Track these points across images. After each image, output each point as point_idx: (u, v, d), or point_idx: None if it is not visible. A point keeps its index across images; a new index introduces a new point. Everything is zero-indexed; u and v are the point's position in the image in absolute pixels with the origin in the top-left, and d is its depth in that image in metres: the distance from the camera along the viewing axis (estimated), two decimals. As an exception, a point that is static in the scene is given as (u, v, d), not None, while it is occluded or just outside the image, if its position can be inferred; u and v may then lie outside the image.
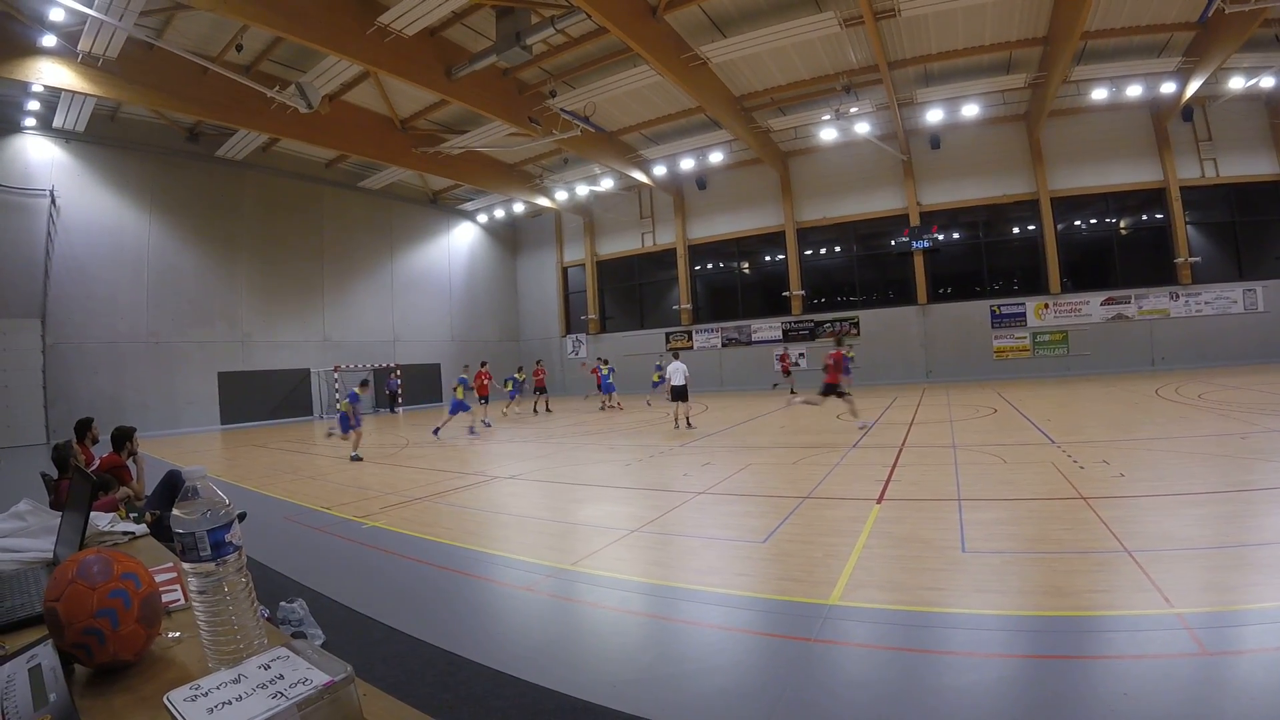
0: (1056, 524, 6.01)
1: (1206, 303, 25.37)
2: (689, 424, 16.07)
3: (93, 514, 1.99)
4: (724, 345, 33.30)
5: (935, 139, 28.07)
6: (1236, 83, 22.80)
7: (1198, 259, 25.82)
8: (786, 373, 26.46)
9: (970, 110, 24.82)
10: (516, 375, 24.09)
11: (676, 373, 16.34)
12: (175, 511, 1.13)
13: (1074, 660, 3.52)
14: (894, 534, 6.01)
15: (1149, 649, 3.53)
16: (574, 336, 38.03)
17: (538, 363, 27.36)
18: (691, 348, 33.16)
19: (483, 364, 21.43)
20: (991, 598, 4.45)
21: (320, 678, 0.94)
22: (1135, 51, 22.51)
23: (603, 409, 23.39)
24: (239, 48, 18.54)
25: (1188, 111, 25.20)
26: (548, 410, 24.32)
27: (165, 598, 1.39)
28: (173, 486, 5.62)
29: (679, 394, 16.16)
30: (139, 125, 23.71)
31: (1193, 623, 3.74)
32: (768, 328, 32.43)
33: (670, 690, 3.47)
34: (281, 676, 0.95)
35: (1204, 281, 25.81)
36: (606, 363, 24.89)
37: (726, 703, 3.34)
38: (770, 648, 3.99)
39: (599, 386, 24.50)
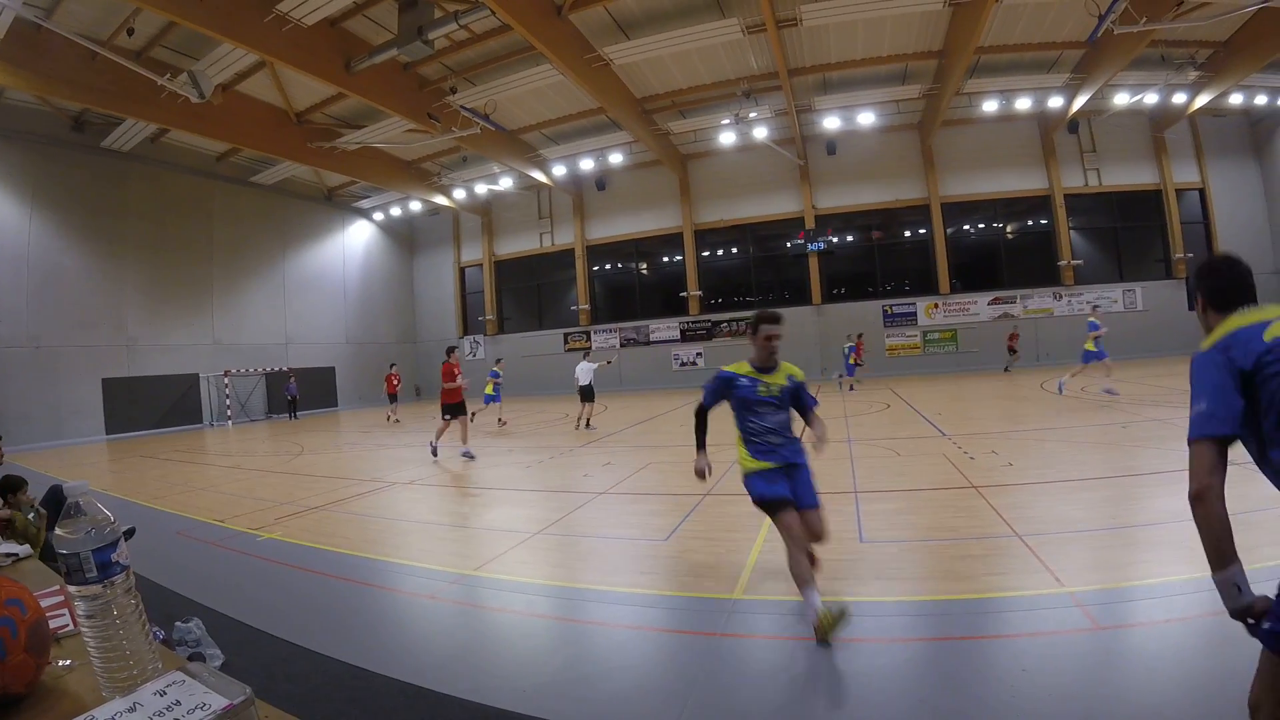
0: (950, 512, 6.31)
1: (1088, 302, 26.98)
2: (588, 425, 16.12)
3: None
4: (622, 345, 33.50)
5: (831, 145, 28.93)
6: (1121, 98, 24.46)
7: (1080, 262, 27.72)
8: (1013, 350, 25.70)
9: (866, 118, 25.63)
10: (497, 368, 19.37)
11: (584, 373, 16.37)
12: (58, 531, 1.09)
13: (973, 640, 3.72)
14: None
15: (1044, 627, 3.77)
16: (472, 338, 37.49)
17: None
18: (590, 348, 33.20)
19: (392, 365, 20.77)
20: (891, 585, 4.66)
21: (219, 702, 0.92)
22: (1026, 67, 23.80)
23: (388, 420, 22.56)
24: (130, 31, 17.44)
25: (1074, 124, 26.93)
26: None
27: (53, 624, 1.33)
28: (57, 503, 5.32)
29: (586, 394, 16.23)
30: (21, 112, 22.04)
31: (1084, 600, 4.00)
32: (665, 328, 32.85)
33: (582, 692, 3.49)
34: (178, 703, 0.93)
35: (1086, 283, 27.64)
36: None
37: (638, 701, 3.39)
38: (678, 644, 4.06)
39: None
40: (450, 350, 13.52)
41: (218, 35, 16.67)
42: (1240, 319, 2.00)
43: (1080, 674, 3.27)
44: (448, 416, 12.71)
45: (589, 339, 33.98)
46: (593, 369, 16.62)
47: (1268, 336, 1.90)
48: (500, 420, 18.98)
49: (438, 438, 12.77)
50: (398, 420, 22.15)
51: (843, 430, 12.61)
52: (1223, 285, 2.13)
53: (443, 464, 12.08)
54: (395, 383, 23.21)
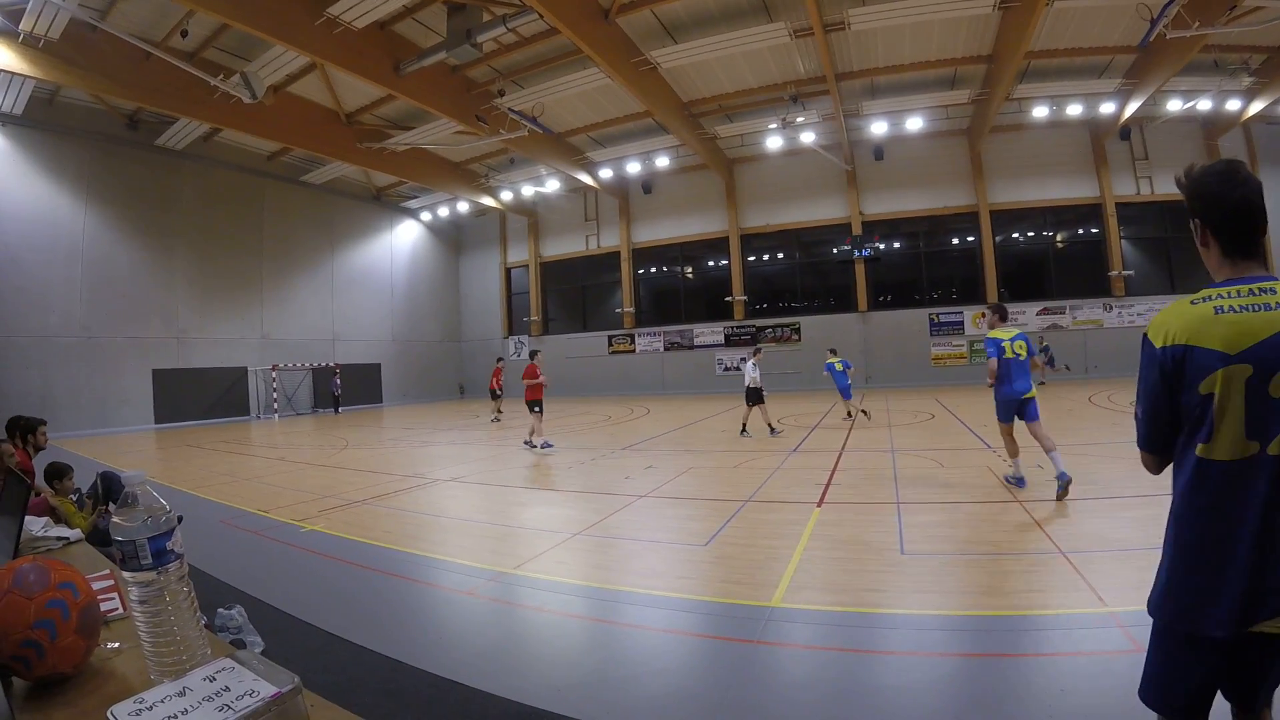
0: (992, 526, 6.18)
1: (1139, 314, 26.25)
2: (771, 429, 14.22)
3: (26, 519, 1.92)
4: (666, 349, 33.43)
5: (879, 150, 28.59)
6: (1174, 104, 23.73)
7: (1131, 272, 26.92)
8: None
9: (914, 123, 25.31)
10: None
11: (751, 373, 14.55)
12: (114, 519, 1.11)
13: (1012, 658, 3.64)
14: (834, 537, 6.11)
15: (1084, 647, 3.66)
16: (516, 338, 37.76)
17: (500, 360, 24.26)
18: (634, 351, 33.27)
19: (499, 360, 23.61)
20: (930, 598, 4.56)
21: (268, 689, 0.93)
22: (1077, 72, 23.24)
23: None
24: (184, 33, 17.91)
25: (1125, 131, 26.20)
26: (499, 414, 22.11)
27: (103, 607, 1.36)
28: (109, 489, 5.47)
29: (753, 396, 14.34)
30: (78, 110, 22.77)
31: (1125, 621, 3.86)
32: (710, 332, 32.67)
33: (615, 693, 3.48)
34: (228, 689, 0.93)
35: (1137, 294, 26.82)
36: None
37: (671, 705, 3.36)
38: (714, 650, 4.02)
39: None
40: (534, 353, 14.74)
41: (269, 37, 17.01)
42: None
43: (1120, 696, 3.16)
44: (537, 409, 13.39)
45: (633, 342, 34.05)
46: (756, 368, 14.69)
47: None
48: (849, 414, 16.00)
49: (534, 434, 13.30)
50: (496, 418, 21.26)
51: (885, 441, 12.46)
52: None
53: (484, 461, 12.19)
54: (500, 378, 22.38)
